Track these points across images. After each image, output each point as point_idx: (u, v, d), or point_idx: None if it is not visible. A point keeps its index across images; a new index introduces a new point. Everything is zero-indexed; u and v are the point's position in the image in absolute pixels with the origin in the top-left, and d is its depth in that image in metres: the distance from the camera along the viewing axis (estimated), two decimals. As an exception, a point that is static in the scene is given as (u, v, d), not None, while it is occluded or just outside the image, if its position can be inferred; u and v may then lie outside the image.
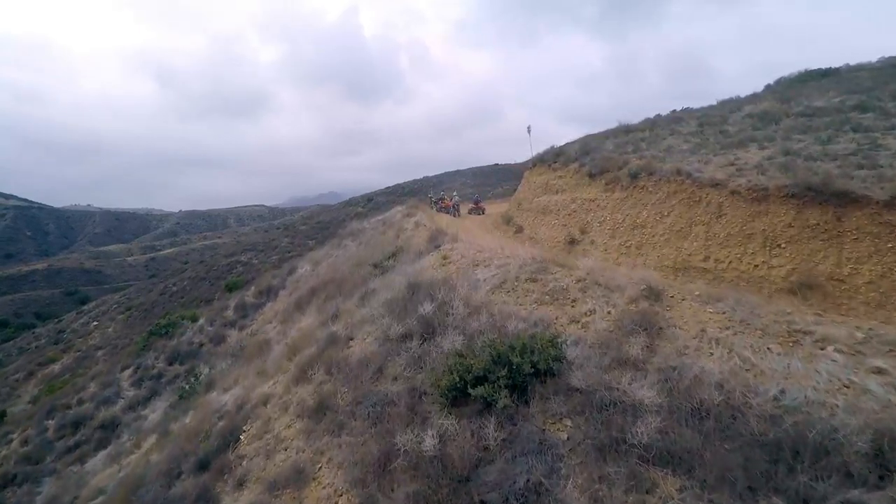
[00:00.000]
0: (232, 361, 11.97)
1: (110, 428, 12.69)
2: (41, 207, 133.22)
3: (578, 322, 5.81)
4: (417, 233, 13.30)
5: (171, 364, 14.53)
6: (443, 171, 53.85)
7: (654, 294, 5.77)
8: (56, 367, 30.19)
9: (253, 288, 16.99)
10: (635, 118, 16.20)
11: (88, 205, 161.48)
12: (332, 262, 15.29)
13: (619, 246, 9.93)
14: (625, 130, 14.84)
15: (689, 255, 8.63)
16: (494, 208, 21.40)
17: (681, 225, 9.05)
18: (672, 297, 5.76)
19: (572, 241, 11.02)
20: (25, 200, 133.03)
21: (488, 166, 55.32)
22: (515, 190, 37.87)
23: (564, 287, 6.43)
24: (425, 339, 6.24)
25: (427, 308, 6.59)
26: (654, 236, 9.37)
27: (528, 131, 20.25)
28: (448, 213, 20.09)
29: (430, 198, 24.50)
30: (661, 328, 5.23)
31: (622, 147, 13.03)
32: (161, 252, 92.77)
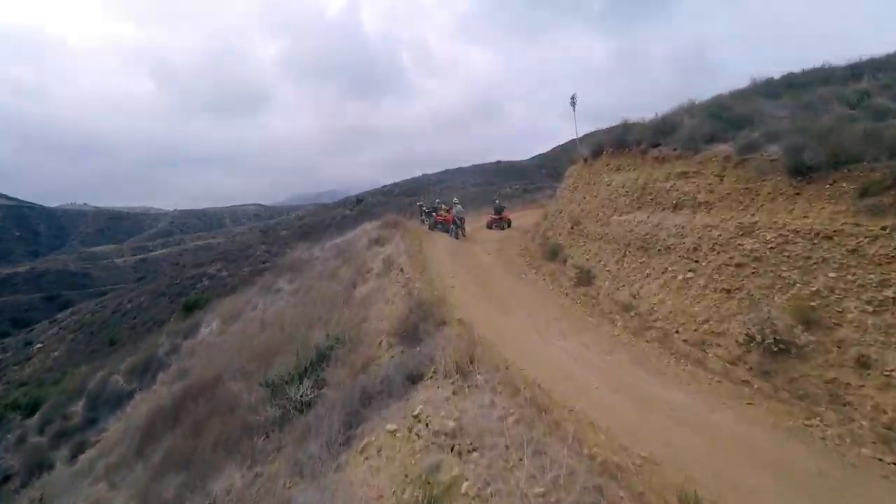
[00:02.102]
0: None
1: None
2: (32, 207, 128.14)
3: None
4: (386, 289, 6.53)
5: (-58, 521, 7.96)
6: (442, 169, 47.12)
7: None
8: (-26, 407, 24.21)
9: (130, 360, 10.32)
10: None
11: (84, 203, 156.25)
12: (242, 325, 8.62)
13: None
14: (785, 83, 7.84)
15: None
16: (514, 220, 14.19)
17: None
18: None
19: (781, 348, 4.09)
20: (15, 200, 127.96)
21: (490, 164, 49.09)
22: (525, 191, 28.32)
23: None
24: None
25: None
26: None
27: (573, 102, 13.27)
28: (447, 231, 13.05)
29: (421, 206, 16.43)
30: None
31: (821, 108, 6.07)
32: (152, 253, 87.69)
